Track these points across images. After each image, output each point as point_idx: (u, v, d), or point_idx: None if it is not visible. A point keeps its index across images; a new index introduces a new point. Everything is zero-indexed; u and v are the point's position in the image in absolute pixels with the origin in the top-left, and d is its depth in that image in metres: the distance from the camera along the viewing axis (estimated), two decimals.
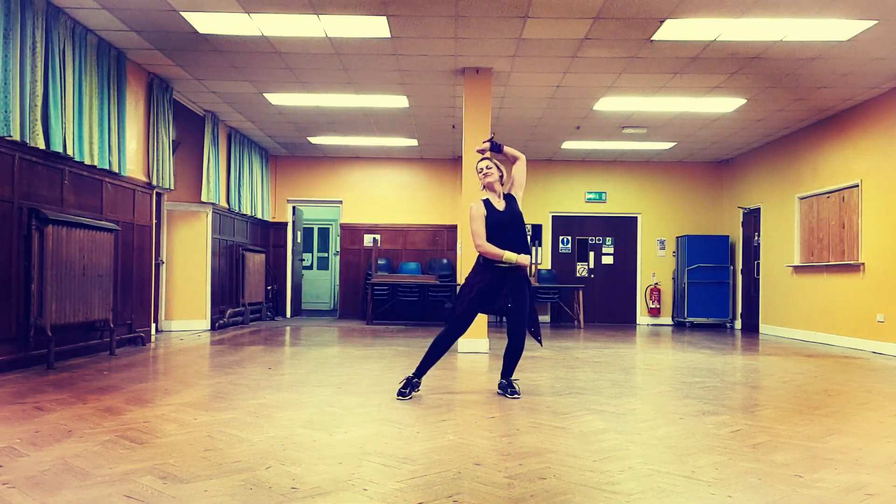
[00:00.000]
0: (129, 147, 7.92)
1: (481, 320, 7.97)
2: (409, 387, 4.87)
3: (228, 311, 11.07)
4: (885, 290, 8.65)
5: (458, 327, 4.91)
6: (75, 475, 2.89)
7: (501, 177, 5.00)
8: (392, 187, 13.79)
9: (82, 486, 2.74)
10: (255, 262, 12.27)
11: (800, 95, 8.93)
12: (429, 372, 6.25)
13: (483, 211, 4.86)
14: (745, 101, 9.19)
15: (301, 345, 8.81)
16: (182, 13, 6.49)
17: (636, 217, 13.92)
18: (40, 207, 6.16)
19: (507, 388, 5.03)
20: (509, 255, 4.77)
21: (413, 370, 5.04)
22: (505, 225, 4.86)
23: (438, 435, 3.74)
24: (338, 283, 14.72)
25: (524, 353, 6.72)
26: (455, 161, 13.61)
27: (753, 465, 3.21)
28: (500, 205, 4.95)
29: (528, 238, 5.14)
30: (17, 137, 5.72)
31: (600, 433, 3.84)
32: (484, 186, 4.98)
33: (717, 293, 12.92)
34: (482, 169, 4.98)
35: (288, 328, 11.28)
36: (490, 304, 4.93)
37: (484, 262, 4.90)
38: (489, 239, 4.83)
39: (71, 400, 4.61)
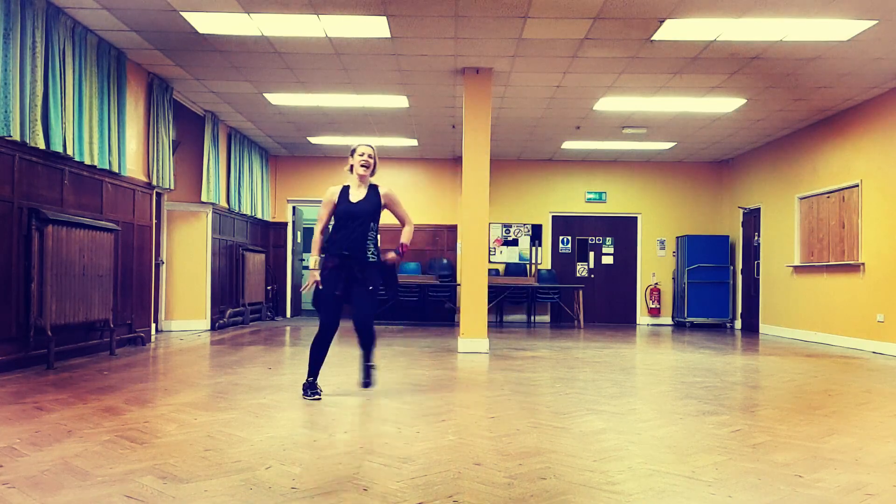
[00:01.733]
0: (129, 147, 7.92)
1: (481, 322, 7.97)
2: (312, 388, 4.81)
3: (228, 311, 11.07)
4: (885, 290, 8.65)
5: (321, 325, 4.79)
6: (75, 475, 2.89)
7: (373, 172, 4.94)
8: (392, 187, 13.63)
9: (82, 486, 2.73)
10: (255, 262, 12.27)
11: (800, 95, 8.93)
12: (430, 372, 6.26)
13: (334, 198, 4.79)
14: (745, 101, 9.19)
15: (301, 345, 8.80)
16: (182, 13, 6.49)
17: (636, 217, 13.92)
18: (40, 207, 6.15)
19: (365, 371, 5.01)
20: (312, 260, 4.77)
21: (308, 375, 4.86)
22: (352, 216, 4.76)
23: (438, 435, 3.74)
24: None
25: (524, 354, 6.70)
26: (455, 161, 13.61)
27: (753, 465, 3.21)
28: (356, 195, 4.82)
29: (373, 235, 4.89)
30: (17, 137, 5.72)
31: (600, 433, 3.84)
32: (351, 171, 4.88)
33: (717, 293, 12.92)
34: (364, 154, 4.85)
35: (288, 328, 11.28)
36: (333, 287, 4.74)
37: (326, 252, 4.81)
38: (336, 226, 4.79)
39: (71, 400, 4.61)
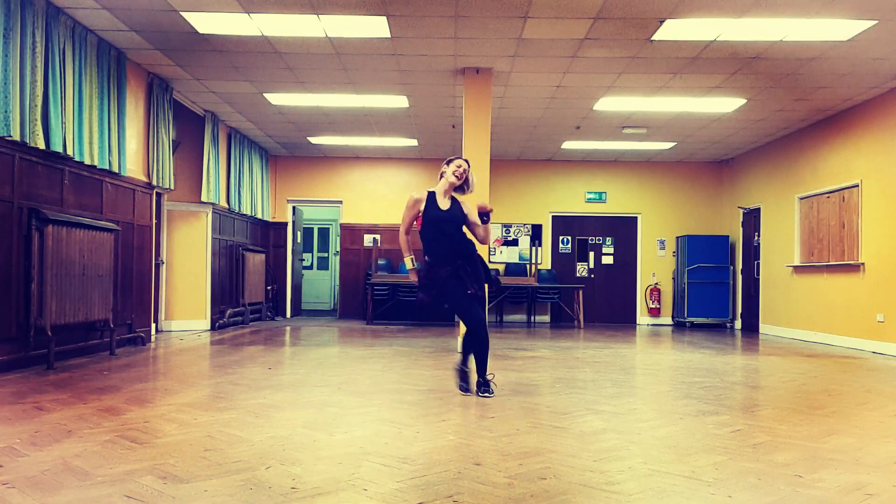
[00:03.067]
0: (129, 147, 7.92)
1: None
2: (465, 378, 5.09)
3: (228, 311, 11.07)
4: (885, 290, 8.65)
5: (472, 320, 4.83)
6: (75, 475, 2.89)
7: (465, 186, 4.99)
8: (392, 187, 13.78)
9: (82, 486, 2.74)
10: (255, 262, 12.27)
11: (800, 95, 8.93)
12: (430, 372, 6.27)
13: (421, 205, 4.89)
14: (745, 101, 9.19)
15: (301, 345, 8.80)
16: (182, 13, 6.49)
17: (636, 217, 13.93)
18: (40, 207, 6.16)
19: (482, 385, 4.97)
20: (408, 262, 4.95)
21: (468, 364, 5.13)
22: (441, 222, 4.86)
23: (438, 435, 3.74)
24: (338, 283, 14.72)
25: (524, 354, 6.63)
26: None
27: (753, 465, 3.21)
28: (444, 203, 4.92)
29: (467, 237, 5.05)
30: (17, 137, 5.72)
31: (600, 433, 3.84)
32: (447, 180, 4.94)
33: (717, 293, 12.92)
34: (459, 166, 4.94)
35: (288, 328, 11.28)
36: (462, 289, 4.83)
37: (431, 263, 4.86)
38: (425, 233, 4.89)
39: (71, 400, 4.61)
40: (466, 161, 5.05)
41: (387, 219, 13.64)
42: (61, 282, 6.33)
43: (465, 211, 5.00)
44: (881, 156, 8.81)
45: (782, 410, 4.66)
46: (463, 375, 5.13)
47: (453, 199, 5.01)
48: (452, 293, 4.83)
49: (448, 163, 5.00)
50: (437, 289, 4.85)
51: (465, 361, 5.14)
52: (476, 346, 4.91)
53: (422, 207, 4.90)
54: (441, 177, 5.00)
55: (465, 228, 5.01)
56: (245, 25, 6.75)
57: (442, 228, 4.87)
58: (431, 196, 4.93)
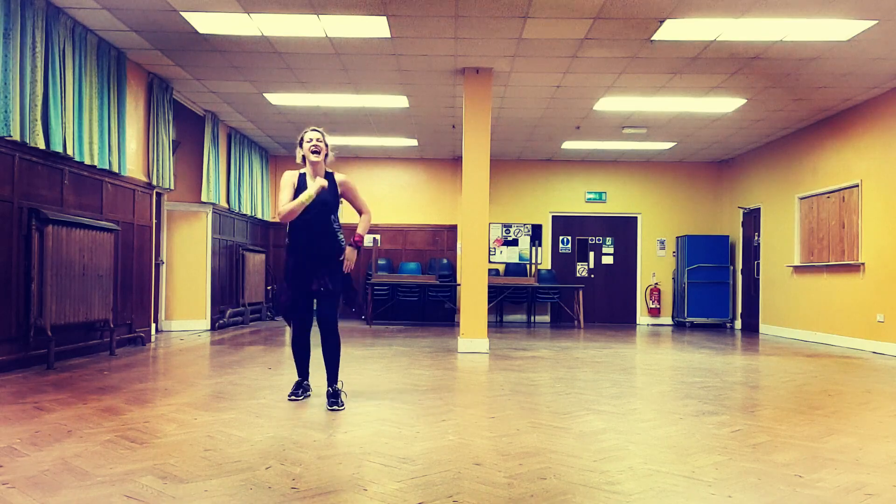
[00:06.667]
0: (129, 147, 7.92)
1: (481, 322, 7.97)
2: (300, 388, 4.75)
3: (228, 311, 11.07)
4: (885, 290, 8.65)
5: (295, 325, 4.64)
6: (75, 475, 2.89)
7: (326, 157, 4.52)
8: (392, 187, 13.79)
9: (82, 486, 2.73)
10: (255, 262, 12.27)
11: (800, 95, 8.93)
12: (430, 372, 6.26)
13: (294, 180, 4.44)
14: (745, 101, 9.19)
15: None
16: (182, 13, 6.49)
17: (636, 217, 13.93)
18: (40, 207, 6.16)
19: (331, 397, 4.44)
20: (307, 193, 4.31)
21: (299, 375, 4.82)
22: (310, 208, 4.38)
23: (438, 435, 3.74)
24: None
25: (524, 354, 6.60)
26: (455, 161, 13.61)
27: (753, 465, 3.21)
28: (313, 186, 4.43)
29: (337, 227, 4.56)
30: (17, 137, 5.72)
31: (600, 433, 3.84)
32: (304, 162, 4.50)
33: (717, 293, 12.92)
34: (312, 140, 4.44)
35: (287, 328, 11.26)
36: (304, 285, 4.49)
37: (288, 247, 4.55)
38: (295, 221, 4.46)
39: (71, 400, 4.61)
40: (318, 130, 4.52)
41: (387, 219, 13.64)
42: (61, 282, 6.33)
43: (342, 190, 4.55)
44: (881, 156, 8.81)
45: (782, 410, 4.66)
46: (298, 386, 4.78)
47: (328, 178, 4.51)
48: (295, 286, 4.48)
49: (300, 143, 4.50)
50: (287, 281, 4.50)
51: (303, 373, 4.77)
52: (327, 351, 4.53)
53: (296, 184, 4.43)
54: (303, 160, 4.51)
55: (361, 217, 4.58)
56: (245, 25, 6.75)
57: (304, 215, 4.39)
58: (302, 178, 4.46)
